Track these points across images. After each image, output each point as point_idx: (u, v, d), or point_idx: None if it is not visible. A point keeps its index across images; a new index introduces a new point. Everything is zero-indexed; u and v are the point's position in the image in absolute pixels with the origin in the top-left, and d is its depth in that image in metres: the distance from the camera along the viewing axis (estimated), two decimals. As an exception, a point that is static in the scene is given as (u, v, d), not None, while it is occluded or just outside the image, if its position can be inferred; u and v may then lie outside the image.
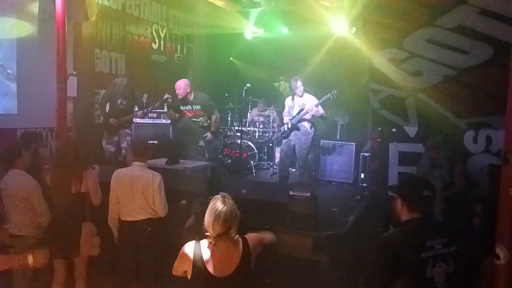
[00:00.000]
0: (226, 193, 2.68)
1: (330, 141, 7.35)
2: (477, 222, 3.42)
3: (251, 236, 2.71)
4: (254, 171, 7.82)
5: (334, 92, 6.17)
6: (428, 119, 5.15)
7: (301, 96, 6.42)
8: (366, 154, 6.74)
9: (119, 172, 4.02)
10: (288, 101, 6.63)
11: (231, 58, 10.11)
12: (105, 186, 3.99)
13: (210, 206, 2.60)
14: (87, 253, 3.88)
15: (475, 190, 4.74)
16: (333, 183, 7.07)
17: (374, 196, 5.56)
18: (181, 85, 6.08)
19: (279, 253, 3.86)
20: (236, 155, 7.56)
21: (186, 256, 2.60)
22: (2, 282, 3.88)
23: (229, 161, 7.75)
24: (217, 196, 2.65)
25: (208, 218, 2.57)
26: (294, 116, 6.40)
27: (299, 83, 6.36)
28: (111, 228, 4.00)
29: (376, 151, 5.78)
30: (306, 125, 6.41)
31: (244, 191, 4.82)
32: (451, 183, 4.62)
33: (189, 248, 2.61)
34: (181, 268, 2.66)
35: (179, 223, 3.91)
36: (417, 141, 5.24)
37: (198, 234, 3.71)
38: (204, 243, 2.60)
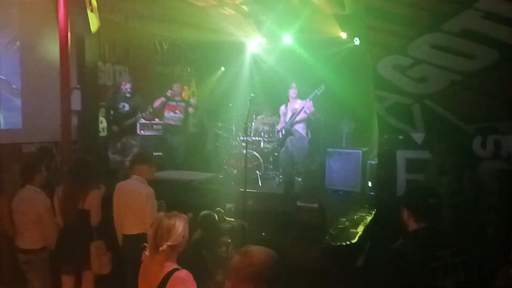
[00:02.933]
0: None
1: (336, 149, 7.28)
2: (491, 230, 3.35)
3: (181, 278, 2.37)
4: (260, 181, 7.75)
5: (321, 87, 6.19)
6: (435, 125, 5.08)
7: (294, 101, 6.43)
8: (373, 162, 6.66)
9: (119, 185, 4.00)
10: (282, 109, 6.64)
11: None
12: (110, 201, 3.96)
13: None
14: (97, 271, 3.84)
15: (485, 197, 4.64)
16: (340, 192, 6.99)
17: (382, 205, 5.48)
18: None
19: (286, 264, 3.79)
20: (242, 165, 7.51)
21: None
22: None
23: (235, 171, 7.69)
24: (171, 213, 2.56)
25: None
26: (287, 122, 6.38)
27: (294, 89, 6.43)
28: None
29: (383, 159, 5.71)
30: (300, 129, 6.38)
31: (250, 202, 4.77)
32: (460, 190, 4.53)
33: None
34: None
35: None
36: (424, 148, 5.17)
37: (205, 247, 3.66)
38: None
